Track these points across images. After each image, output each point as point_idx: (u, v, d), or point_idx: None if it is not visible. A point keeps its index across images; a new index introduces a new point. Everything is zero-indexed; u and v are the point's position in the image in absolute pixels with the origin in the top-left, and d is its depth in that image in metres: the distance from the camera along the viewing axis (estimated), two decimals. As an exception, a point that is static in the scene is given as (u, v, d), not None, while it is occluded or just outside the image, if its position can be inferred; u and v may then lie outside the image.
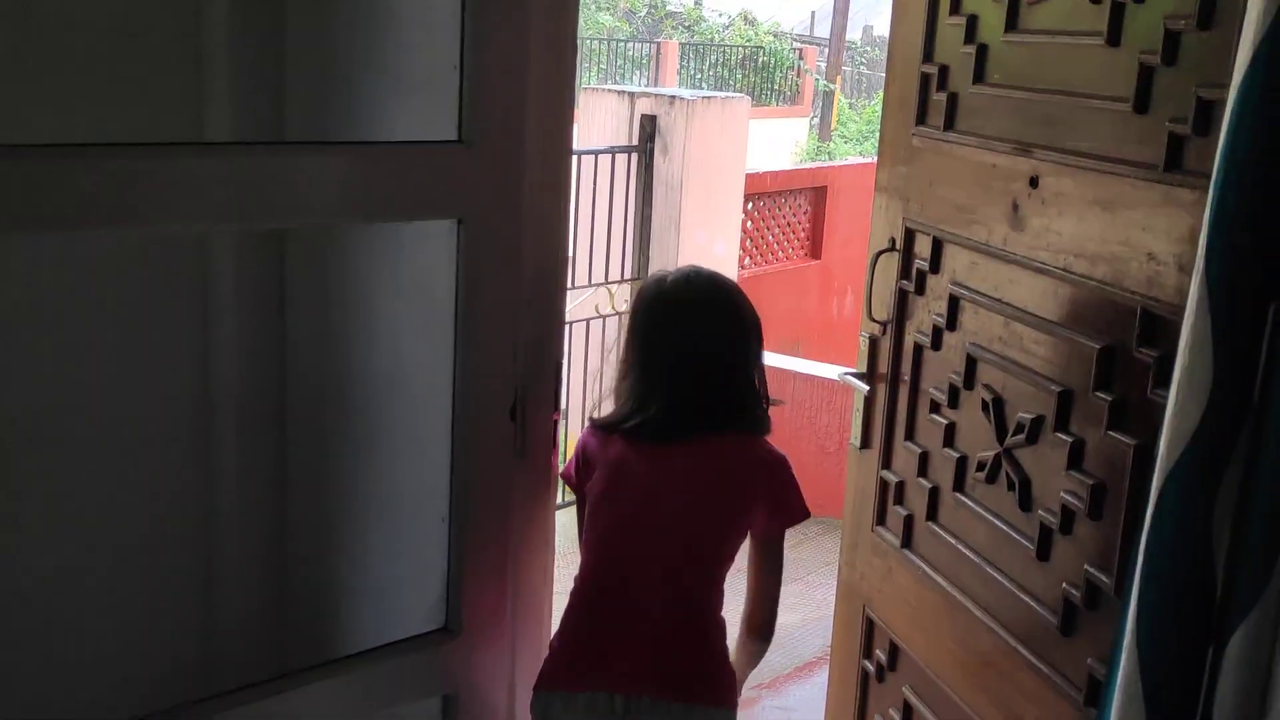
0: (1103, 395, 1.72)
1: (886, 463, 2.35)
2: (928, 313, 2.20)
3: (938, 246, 2.16)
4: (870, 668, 2.43)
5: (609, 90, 6.75)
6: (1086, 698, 1.76)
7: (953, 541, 2.12)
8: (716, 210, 6.56)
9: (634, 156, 6.21)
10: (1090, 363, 1.74)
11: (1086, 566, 1.76)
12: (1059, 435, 1.82)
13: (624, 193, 6.12)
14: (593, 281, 5.93)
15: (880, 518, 2.38)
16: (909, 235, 2.26)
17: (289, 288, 2.04)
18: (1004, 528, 1.96)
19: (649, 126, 6.22)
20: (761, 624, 2.13)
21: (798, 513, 2.11)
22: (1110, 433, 1.70)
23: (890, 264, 2.30)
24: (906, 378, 2.28)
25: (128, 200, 1.49)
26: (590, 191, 5.73)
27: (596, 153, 5.87)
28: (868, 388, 2.40)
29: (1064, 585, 1.81)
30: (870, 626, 2.44)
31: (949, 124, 2.11)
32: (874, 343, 2.38)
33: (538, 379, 1.82)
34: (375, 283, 2.02)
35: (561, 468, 2.04)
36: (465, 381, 1.76)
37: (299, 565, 2.17)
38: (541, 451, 1.86)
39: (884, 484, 2.36)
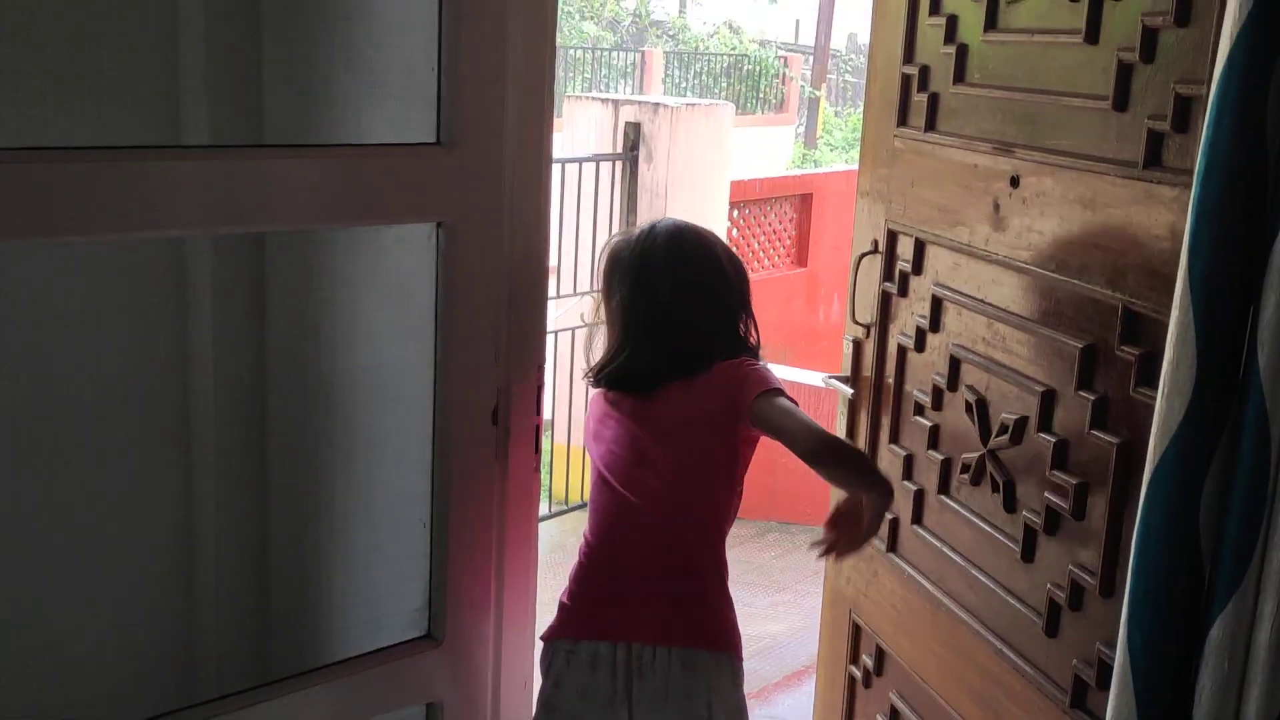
0: (1085, 394, 1.71)
1: (871, 466, 2.34)
2: (911, 314, 2.19)
3: (920, 248, 2.15)
4: (857, 673, 2.41)
5: (592, 98, 6.74)
6: (1072, 699, 1.75)
7: (938, 545, 2.11)
8: (701, 218, 6.54)
9: (618, 164, 6.20)
10: (1073, 362, 1.73)
11: (1071, 566, 1.75)
12: (1042, 435, 1.81)
13: (608, 201, 6.11)
14: (577, 290, 5.91)
15: (865, 521, 2.36)
16: (891, 237, 2.25)
17: (268, 290, 2.01)
18: (988, 529, 1.95)
19: (633, 134, 6.21)
20: (816, 452, 1.87)
21: (767, 380, 1.96)
22: (1093, 432, 1.70)
23: (874, 267, 2.29)
24: (890, 380, 2.27)
25: (102, 206, 1.47)
26: (575, 200, 5.72)
27: (580, 160, 5.86)
28: (851, 391, 2.39)
29: (1048, 586, 1.80)
30: (857, 632, 2.42)
31: (930, 125, 2.11)
32: (858, 346, 2.37)
33: (520, 384, 1.80)
34: (355, 285, 2.00)
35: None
36: (446, 385, 1.75)
37: (280, 570, 2.14)
38: (524, 457, 1.84)
39: (869, 487, 2.34)
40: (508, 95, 1.70)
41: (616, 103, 6.39)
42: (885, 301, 2.27)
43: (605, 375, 2.07)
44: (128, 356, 1.98)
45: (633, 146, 6.18)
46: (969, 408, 2.00)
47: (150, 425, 2.02)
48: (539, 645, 2.04)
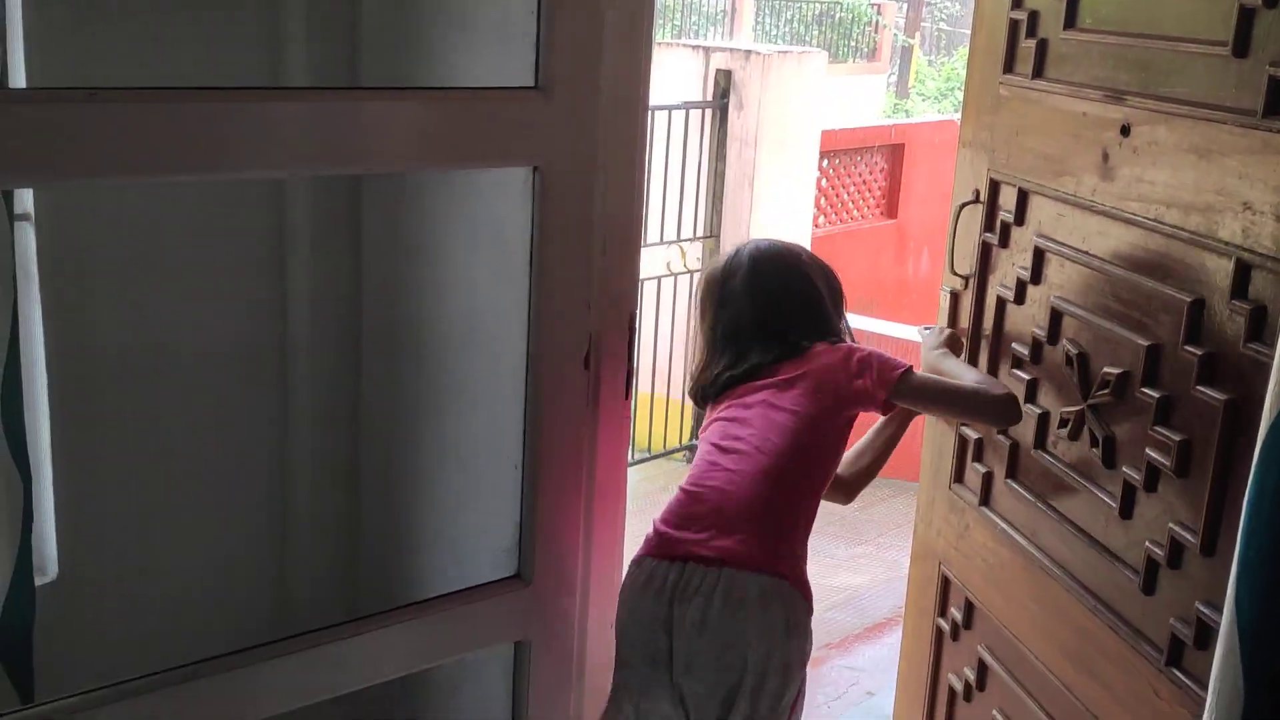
0: (1192, 349, 1.67)
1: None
2: (1011, 266, 2.15)
3: (1023, 198, 2.11)
4: (945, 626, 2.41)
5: (683, 44, 6.69)
6: (1167, 658, 1.73)
7: (1032, 499, 2.09)
8: (791, 167, 6.48)
9: (708, 112, 6.15)
10: (1180, 316, 1.70)
11: (1171, 524, 1.72)
12: (1145, 391, 1.77)
13: (697, 149, 6.07)
14: (664, 239, 5.90)
15: (958, 475, 2.34)
16: (994, 187, 2.21)
17: (364, 235, 2.04)
18: (1086, 485, 1.92)
19: (724, 82, 6.15)
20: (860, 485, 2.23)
21: (892, 363, 2.06)
22: (1200, 388, 1.66)
23: (974, 217, 2.26)
24: (988, 333, 2.24)
25: (206, 146, 1.48)
26: (664, 148, 5.69)
27: (670, 108, 5.82)
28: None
29: (1146, 544, 1.77)
30: (945, 584, 2.41)
31: (1038, 72, 2.06)
32: (955, 297, 2.34)
33: (612, 329, 1.81)
34: (450, 230, 2.01)
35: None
36: (539, 331, 1.75)
37: (372, 512, 2.19)
38: (615, 403, 1.85)
39: (963, 441, 2.32)
40: (605, 40, 1.69)
41: (708, 50, 6.34)
42: (985, 252, 2.24)
43: (701, 388, 2.16)
44: (229, 298, 2.03)
45: (723, 94, 6.12)
46: (1069, 361, 1.96)
47: (249, 366, 2.06)
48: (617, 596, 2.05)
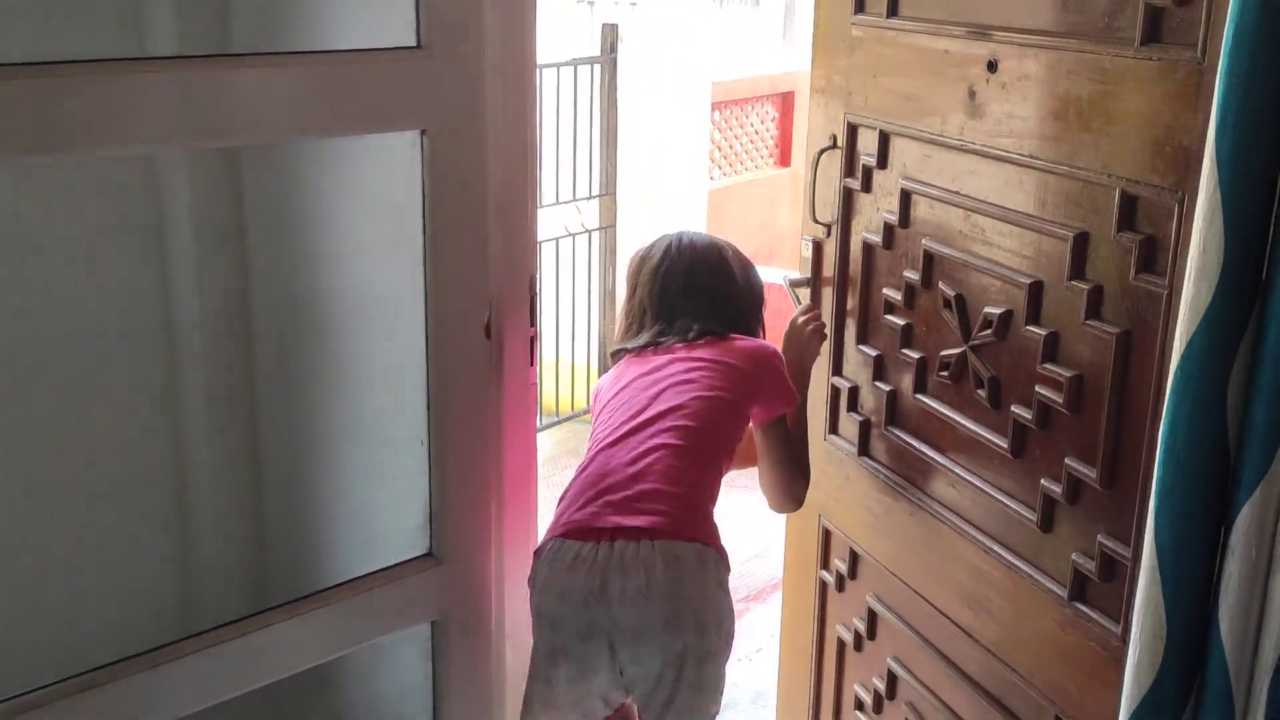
0: (1078, 284, 1.66)
1: (837, 369, 2.29)
2: (877, 211, 2.12)
3: (885, 140, 2.08)
4: (829, 578, 2.39)
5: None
6: (1071, 593, 1.73)
7: (916, 445, 2.07)
8: (682, 121, 6.42)
9: (598, 67, 5.95)
10: (1064, 252, 1.68)
11: (1067, 460, 1.72)
12: (1031, 329, 1.76)
13: (588, 106, 5.88)
14: (560, 199, 5.74)
15: (833, 426, 2.32)
16: (851, 131, 2.17)
17: (246, 208, 1.94)
18: (973, 428, 1.91)
19: (611, 35, 5.95)
20: (782, 507, 2.22)
21: (790, 396, 2.13)
22: (1089, 323, 1.65)
23: (833, 163, 2.21)
24: (855, 279, 2.20)
25: (65, 123, 1.40)
26: (554, 105, 5.50)
27: (559, 65, 5.60)
28: (808, 293, 2.32)
29: (1042, 481, 1.77)
30: (827, 536, 2.39)
31: (892, 10, 2.02)
32: (818, 246, 2.30)
33: (512, 295, 1.78)
34: (339, 199, 1.94)
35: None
36: (437, 299, 1.72)
37: (276, 495, 2.11)
38: (519, 370, 1.83)
39: (835, 391, 2.29)
40: None
41: (592, 2, 6.16)
42: (847, 198, 2.20)
43: (620, 348, 2.18)
44: (106, 283, 1.90)
45: (611, 48, 5.93)
46: (946, 303, 1.94)
47: (135, 353, 1.94)
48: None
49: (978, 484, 1.92)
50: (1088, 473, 1.68)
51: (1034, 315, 1.76)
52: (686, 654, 1.84)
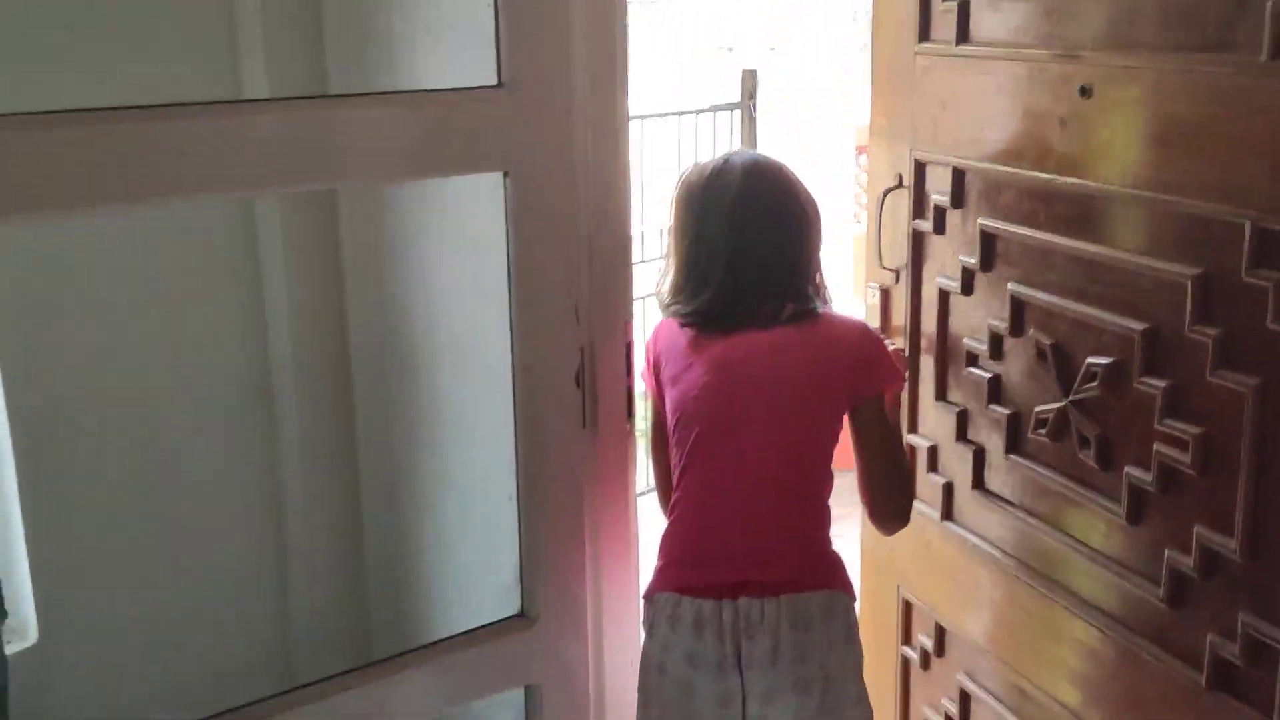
0: (1204, 330, 1.48)
1: (912, 426, 2.10)
2: (953, 254, 1.94)
3: (959, 178, 1.90)
4: (913, 655, 2.18)
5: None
6: (1211, 680, 1.52)
7: (1010, 509, 1.87)
8: (827, 165, 6.24)
9: (737, 114, 5.75)
10: (1183, 295, 1.49)
11: (1198, 528, 1.52)
12: (1146, 381, 1.57)
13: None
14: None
15: (911, 488, 2.12)
16: (919, 169, 1.99)
17: (343, 247, 1.91)
18: (1080, 491, 1.72)
19: (750, 82, 5.77)
20: (886, 514, 1.87)
21: (890, 374, 1.85)
22: (1219, 373, 1.46)
23: (900, 204, 2.04)
24: (930, 329, 2.02)
25: (165, 167, 1.37)
26: (693, 153, 5.31)
27: (698, 112, 5.43)
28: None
29: (1168, 552, 1.57)
30: (908, 609, 2.19)
31: (963, 36, 1.85)
32: (885, 294, 2.12)
33: (606, 342, 1.69)
34: (431, 239, 1.89)
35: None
36: (523, 346, 1.63)
37: (373, 547, 2.05)
38: (614, 421, 1.73)
39: (911, 450, 2.10)
40: (573, 33, 1.58)
41: (731, 49, 6.02)
42: (917, 242, 2.02)
43: (691, 314, 1.81)
44: (202, 328, 1.90)
45: (750, 95, 5.73)
46: (1041, 354, 1.75)
47: (233, 400, 1.92)
48: (634, 631, 1.85)
49: (1086, 554, 1.72)
50: (1224, 543, 1.48)
51: (1149, 366, 1.57)
52: (820, 711, 1.73)
